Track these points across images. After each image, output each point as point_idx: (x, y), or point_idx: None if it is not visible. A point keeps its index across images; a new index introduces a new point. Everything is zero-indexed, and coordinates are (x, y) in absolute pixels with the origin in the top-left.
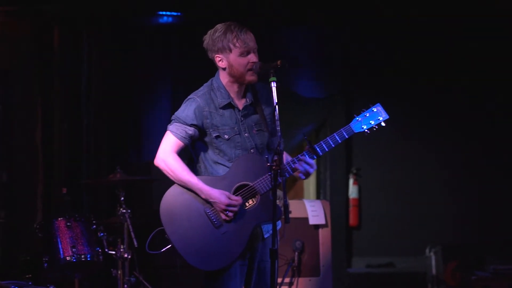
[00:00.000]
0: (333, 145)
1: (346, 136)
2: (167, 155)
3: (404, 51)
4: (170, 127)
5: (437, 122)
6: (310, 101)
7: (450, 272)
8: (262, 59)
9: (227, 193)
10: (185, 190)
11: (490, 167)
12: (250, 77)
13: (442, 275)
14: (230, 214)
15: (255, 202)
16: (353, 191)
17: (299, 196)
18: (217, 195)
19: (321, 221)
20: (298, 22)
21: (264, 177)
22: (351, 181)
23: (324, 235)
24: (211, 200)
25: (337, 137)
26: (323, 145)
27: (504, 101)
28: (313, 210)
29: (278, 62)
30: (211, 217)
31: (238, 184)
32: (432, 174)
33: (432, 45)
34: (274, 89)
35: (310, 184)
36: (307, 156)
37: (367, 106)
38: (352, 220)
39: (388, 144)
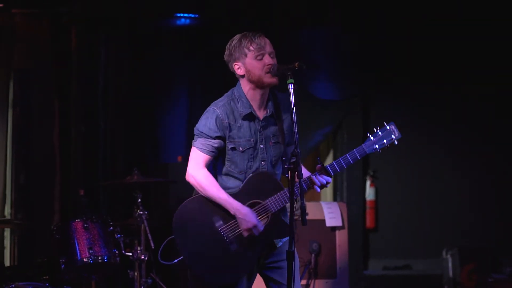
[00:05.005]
0: (345, 166)
1: (359, 157)
2: (197, 171)
3: (422, 53)
4: (195, 143)
5: (455, 124)
6: (328, 103)
7: (466, 275)
8: (280, 61)
9: (255, 214)
10: (197, 206)
11: (508, 169)
12: (269, 80)
13: (458, 277)
14: (252, 234)
15: (266, 220)
16: (370, 193)
17: (316, 198)
18: (247, 212)
19: (338, 223)
20: (316, 23)
21: (276, 195)
22: (368, 183)
23: (341, 237)
24: (239, 216)
25: (349, 158)
26: (335, 165)
27: None
28: (330, 212)
29: (296, 64)
30: (223, 234)
31: (249, 202)
32: (449, 176)
33: (451, 47)
34: (291, 91)
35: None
36: (319, 176)
37: (380, 123)
38: (369, 222)
39: (405, 146)
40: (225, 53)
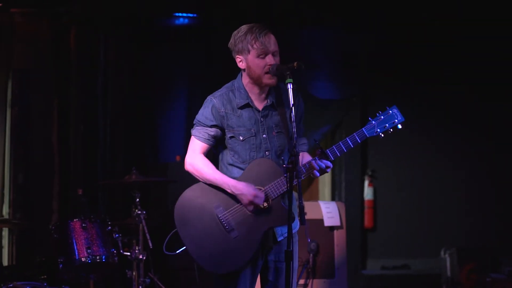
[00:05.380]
0: (345, 150)
1: (359, 141)
2: (193, 158)
3: (420, 53)
4: (193, 131)
5: (454, 123)
6: (327, 102)
7: (465, 274)
8: (280, 61)
9: (252, 185)
10: (198, 194)
11: (507, 169)
12: (268, 80)
13: (457, 277)
14: (257, 204)
15: (266, 206)
16: (368, 192)
17: (315, 197)
18: (243, 186)
19: (336, 222)
20: (316, 23)
21: (276, 181)
22: (366, 182)
23: (339, 237)
24: (237, 192)
25: (349, 142)
26: (335, 149)
27: None
28: (328, 212)
29: (295, 63)
30: (223, 221)
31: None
32: (448, 176)
33: (448, 47)
34: (290, 91)
35: (325, 186)
36: (318, 161)
37: (383, 108)
38: (367, 222)
39: (403, 145)
40: (230, 41)
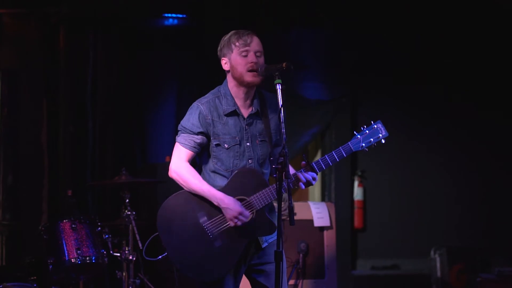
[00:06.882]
0: (331, 164)
1: (345, 155)
2: (179, 166)
3: (410, 54)
4: (178, 138)
5: (443, 124)
6: (316, 103)
7: (455, 274)
8: (269, 62)
9: (239, 202)
10: (181, 202)
11: (496, 169)
12: (250, 78)
13: (447, 277)
14: (239, 222)
15: (251, 217)
16: (358, 193)
17: (304, 198)
18: (230, 201)
19: (326, 223)
20: (305, 24)
21: (260, 192)
22: (356, 183)
23: (329, 237)
24: (223, 205)
25: (335, 155)
26: (321, 163)
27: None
28: (318, 212)
29: (284, 64)
30: (207, 230)
31: (235, 198)
32: (438, 176)
33: (437, 48)
34: (279, 92)
35: (315, 186)
36: (304, 173)
37: (368, 123)
38: (357, 222)
39: (393, 146)
40: (218, 48)
